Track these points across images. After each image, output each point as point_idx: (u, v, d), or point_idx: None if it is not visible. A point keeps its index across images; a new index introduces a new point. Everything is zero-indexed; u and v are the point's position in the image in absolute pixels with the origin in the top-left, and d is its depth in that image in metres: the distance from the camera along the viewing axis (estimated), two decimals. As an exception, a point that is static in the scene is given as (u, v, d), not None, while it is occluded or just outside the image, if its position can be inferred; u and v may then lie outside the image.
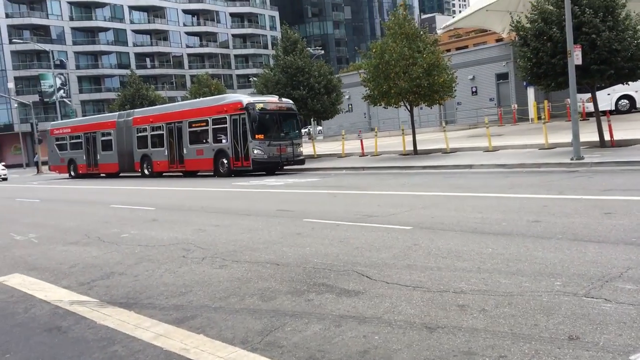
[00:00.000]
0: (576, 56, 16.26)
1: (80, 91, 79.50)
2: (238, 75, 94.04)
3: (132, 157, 29.31)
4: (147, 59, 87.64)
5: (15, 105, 64.63)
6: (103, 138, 31.63)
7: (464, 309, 4.73)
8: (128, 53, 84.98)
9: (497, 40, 52.65)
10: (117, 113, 32.94)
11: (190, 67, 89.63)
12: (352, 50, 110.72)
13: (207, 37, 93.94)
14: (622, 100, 29.64)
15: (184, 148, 25.93)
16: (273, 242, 8.29)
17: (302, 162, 24.01)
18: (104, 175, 33.19)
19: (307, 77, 28.64)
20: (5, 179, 38.55)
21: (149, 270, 7.21)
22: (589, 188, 11.07)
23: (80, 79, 80.00)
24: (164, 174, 28.41)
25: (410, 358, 3.84)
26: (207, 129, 24.66)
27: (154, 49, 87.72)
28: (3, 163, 43.15)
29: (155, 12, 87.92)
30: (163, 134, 27.34)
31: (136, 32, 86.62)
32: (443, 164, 19.11)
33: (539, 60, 18.32)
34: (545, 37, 18.16)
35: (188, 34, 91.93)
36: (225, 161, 23.70)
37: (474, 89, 40.57)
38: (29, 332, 5.24)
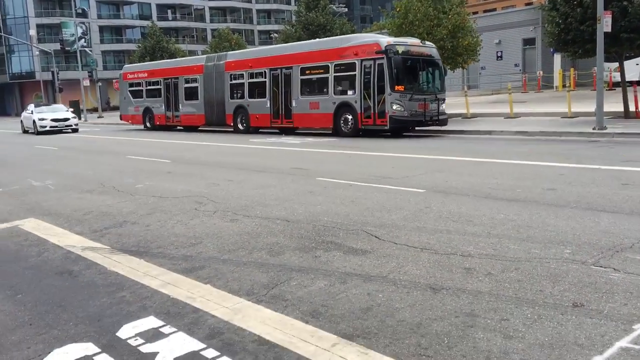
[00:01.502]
0: (606, 23, 15.75)
1: (102, 41, 79.23)
2: (260, 31, 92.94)
3: (223, 109, 24.47)
4: (169, 11, 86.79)
5: (37, 52, 64.73)
6: (187, 85, 26.71)
7: (470, 272, 4.73)
8: (150, 4, 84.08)
9: (526, 4, 51.34)
10: (205, 56, 28.10)
11: (211, 21, 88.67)
12: (376, 10, 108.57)
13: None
14: (651, 71, 28.80)
15: (293, 100, 21.13)
16: (285, 199, 8.31)
17: (445, 122, 18.90)
18: (181, 128, 28.50)
19: (328, 35, 28.20)
20: (76, 130, 30.93)
21: (161, 221, 7.29)
22: (608, 158, 10.87)
23: (101, 28, 79.62)
24: (260, 129, 23.61)
25: (412, 317, 3.86)
26: (327, 77, 19.84)
27: (176, 0, 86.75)
28: (71, 109, 36.03)
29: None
30: (265, 81, 22.36)
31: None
32: (462, 129, 18.86)
33: (567, 26, 17.81)
34: (575, 2, 17.60)
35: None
36: (350, 117, 19.03)
37: (499, 54, 39.73)
38: (40, 275, 5.36)
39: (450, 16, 22.19)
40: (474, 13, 45.05)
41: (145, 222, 7.26)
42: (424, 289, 4.40)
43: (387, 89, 17.78)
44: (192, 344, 3.62)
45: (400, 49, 18.00)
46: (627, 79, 19.21)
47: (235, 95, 24.03)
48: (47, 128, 29.84)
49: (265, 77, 22.42)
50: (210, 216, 7.45)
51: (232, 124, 24.17)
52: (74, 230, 7.07)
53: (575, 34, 17.57)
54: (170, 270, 5.23)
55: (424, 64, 18.95)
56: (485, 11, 58.82)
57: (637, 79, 26.82)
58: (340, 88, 19.63)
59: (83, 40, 56.48)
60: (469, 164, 11.35)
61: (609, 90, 26.07)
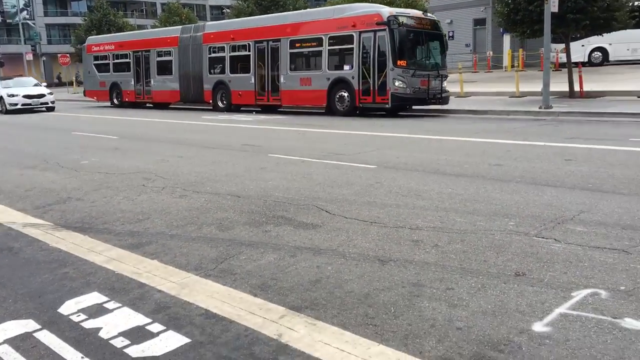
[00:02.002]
0: (553, 3, 16.09)
1: (46, 14, 76.04)
2: (212, 6, 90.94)
3: (201, 85, 22.50)
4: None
5: (-24, 25, 61.76)
6: (160, 58, 24.49)
7: (417, 244, 4.79)
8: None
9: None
10: (180, 27, 25.55)
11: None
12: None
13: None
14: (596, 53, 29.76)
15: (281, 76, 19.49)
16: (236, 175, 8.23)
17: (447, 100, 17.69)
18: (150, 105, 26.36)
19: (281, 11, 27.86)
20: (52, 109, 26.34)
21: (107, 197, 7.10)
22: (553, 135, 11.19)
23: (45, 1, 76.41)
24: (243, 107, 21.72)
25: (360, 287, 3.89)
26: (320, 51, 18.24)
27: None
28: (44, 84, 31.46)
29: None
30: (249, 55, 20.49)
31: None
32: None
33: (516, 6, 18.13)
34: (525, -19, 17.91)
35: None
36: (346, 95, 17.52)
37: (450, 34, 40.12)
38: (-22, 252, 5.15)
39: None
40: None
41: (91, 199, 7.06)
42: (372, 260, 4.44)
43: (389, 64, 16.33)
44: (137, 319, 3.55)
45: (404, 21, 16.50)
46: (572, 60, 19.74)
47: (214, 70, 22.08)
48: (19, 106, 25.17)
49: (249, 51, 20.61)
50: (159, 192, 7.31)
51: (210, 101, 22.34)
52: (15, 207, 6.81)
53: (524, 14, 17.91)
54: (115, 246, 5.11)
55: (427, 37, 17.58)
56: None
57: (583, 60, 27.67)
58: (335, 63, 18.14)
59: (25, 12, 54.09)
60: (420, 140, 11.49)
61: (555, 70, 26.78)
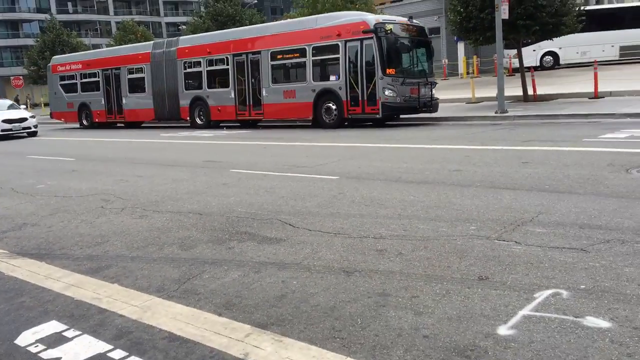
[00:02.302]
0: (503, 10, 16.51)
1: (-4, 36, 74.30)
2: (167, 23, 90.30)
3: (177, 101, 21.71)
4: (69, 4, 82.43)
5: None
6: (131, 76, 23.58)
7: (382, 253, 4.80)
8: (48, -4, 79.69)
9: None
10: (151, 42, 24.95)
11: (115, 13, 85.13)
12: (287, 0, 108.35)
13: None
14: (547, 57, 30.60)
15: (263, 89, 18.93)
16: (197, 192, 8.12)
17: (436, 108, 17.28)
18: (122, 125, 25.60)
19: (237, 26, 27.84)
20: (34, 134, 23.71)
21: (64, 221, 6.91)
22: (510, 139, 11.43)
23: (-5, 23, 74.66)
24: (222, 124, 21.10)
25: (326, 300, 3.86)
26: (304, 62, 17.70)
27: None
28: (23, 106, 29.13)
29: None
30: (228, 69, 19.87)
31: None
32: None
33: (468, 14, 18.53)
34: (474, -9, 18.33)
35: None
36: (334, 107, 17.00)
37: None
38: None
39: (357, 5, 22.48)
40: (381, 3, 45.97)
41: (47, 224, 6.86)
42: (337, 272, 4.42)
43: (378, 73, 15.91)
44: (99, 346, 3.44)
45: (391, 28, 16.07)
46: (525, 65, 20.27)
47: (190, 85, 21.35)
48: None
49: (227, 64, 19.93)
50: (118, 213, 7.15)
51: (187, 118, 21.56)
52: (-34, 237, 6.56)
53: (475, 22, 18.32)
54: (74, 271, 4.96)
55: (414, 44, 17.33)
56: (392, 1, 60.11)
57: (535, 65, 28.44)
58: (320, 74, 17.58)
59: (-26, 34, 52.61)
60: (380, 150, 11.58)
61: (509, 75, 27.45)
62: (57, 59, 28.89)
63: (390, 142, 12.61)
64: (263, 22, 29.85)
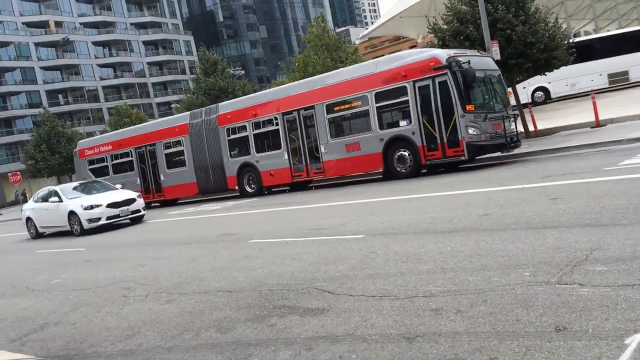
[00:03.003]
0: (495, 52, 16.70)
1: (-10, 135, 75.22)
2: (158, 104, 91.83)
3: (222, 171, 20.31)
4: (60, 96, 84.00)
5: None
6: (168, 150, 22.19)
7: (438, 312, 4.47)
8: (38, 91, 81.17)
9: (412, 47, 53.97)
10: (188, 113, 22.94)
11: (106, 100, 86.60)
12: (271, 69, 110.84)
13: (122, 68, 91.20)
14: (538, 92, 30.87)
15: (321, 145, 17.40)
16: (221, 269, 7.80)
17: (519, 143, 15.89)
18: (157, 203, 23.85)
19: (231, 98, 28.13)
20: (140, 218, 18.12)
21: (88, 316, 6.56)
22: (527, 177, 11.21)
23: (-12, 122, 75.75)
24: (275, 188, 19.86)
25: (397, 375, 3.52)
26: (367, 110, 16.22)
27: (66, 84, 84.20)
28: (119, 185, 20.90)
29: (63, 47, 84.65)
30: (278, 129, 18.45)
31: (45, 68, 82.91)
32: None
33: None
34: (462, 37, 18.61)
35: (101, 65, 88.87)
36: (407, 154, 15.51)
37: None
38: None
39: (347, 64, 22.75)
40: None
41: (71, 320, 6.50)
42: (397, 340, 4.08)
43: (458, 111, 14.47)
44: None
45: (464, 60, 14.84)
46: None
47: (236, 152, 19.92)
48: (103, 221, 16.76)
49: (277, 124, 18.49)
50: (143, 301, 6.81)
51: (236, 187, 19.99)
52: (-13, 345, 6.19)
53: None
54: (110, 371, 4.61)
55: (488, 76, 15.80)
56: (375, 57, 61.28)
57: (527, 101, 28.66)
58: (388, 120, 16.13)
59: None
60: (398, 202, 11.33)
61: (504, 114, 27.50)
62: (83, 143, 27.51)
63: (400, 194, 12.37)
64: (255, 91, 30.19)
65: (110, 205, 16.83)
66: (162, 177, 22.44)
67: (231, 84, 29.33)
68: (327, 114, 17.22)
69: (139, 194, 18.76)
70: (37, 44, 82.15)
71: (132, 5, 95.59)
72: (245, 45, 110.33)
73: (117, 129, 33.57)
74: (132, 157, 23.57)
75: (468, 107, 14.54)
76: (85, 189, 18.81)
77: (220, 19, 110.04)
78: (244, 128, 19.56)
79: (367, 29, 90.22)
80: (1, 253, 16.84)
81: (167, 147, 22.31)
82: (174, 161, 22.22)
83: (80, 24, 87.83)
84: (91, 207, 16.76)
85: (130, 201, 17.30)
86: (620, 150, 12.72)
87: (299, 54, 24.41)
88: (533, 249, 5.72)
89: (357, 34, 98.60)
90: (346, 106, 16.94)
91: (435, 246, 6.66)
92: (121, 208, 16.96)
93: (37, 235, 19.07)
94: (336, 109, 17.14)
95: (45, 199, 18.63)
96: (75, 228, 17.04)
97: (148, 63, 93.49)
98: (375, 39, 74.28)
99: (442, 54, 15.04)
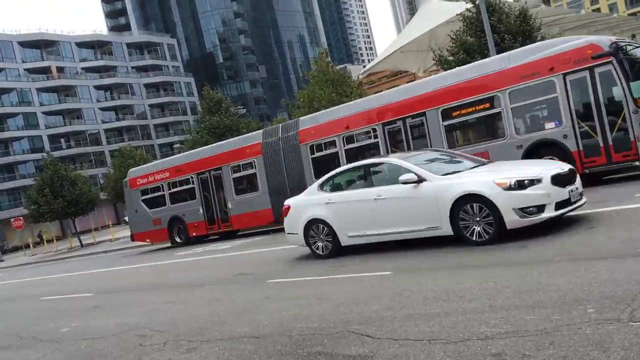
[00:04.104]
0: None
1: (-7, 181, 75.10)
2: (160, 145, 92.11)
3: None
4: (62, 140, 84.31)
5: None
6: (237, 174, 19.74)
7: (502, 358, 3.99)
8: (40, 136, 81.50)
9: (409, 81, 54.24)
10: (260, 131, 20.60)
11: (108, 143, 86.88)
12: (271, 107, 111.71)
13: (123, 110, 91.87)
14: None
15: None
16: (242, 312, 7.31)
17: None
18: (216, 235, 21.67)
19: (236, 135, 27.94)
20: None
21: (104, 369, 6.05)
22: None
23: (-9, 168, 75.73)
24: None
25: None
26: (499, 113, 13.88)
27: (68, 128, 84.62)
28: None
29: (65, 91, 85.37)
30: (377, 142, 16.10)
31: (47, 113, 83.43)
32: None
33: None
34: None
35: (102, 109, 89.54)
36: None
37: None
38: None
39: (352, 98, 22.61)
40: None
41: (84, 374, 6.00)
42: (462, 391, 3.60)
43: (629, 106, 12.05)
44: None
45: (630, 48, 12.74)
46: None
47: (323, 171, 15.77)
48: (547, 213, 7.93)
49: (375, 137, 16.03)
50: (161, 350, 6.31)
51: None
52: (-6, 404, 5.68)
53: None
54: None
55: None
56: (376, 92, 61.59)
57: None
58: (526, 123, 13.87)
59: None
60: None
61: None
62: (134, 172, 24.79)
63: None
64: (260, 128, 30.02)
65: (555, 181, 8.16)
66: (229, 205, 19.83)
67: (235, 122, 29.19)
68: (443, 120, 14.66)
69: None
70: (39, 90, 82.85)
71: (133, 49, 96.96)
72: (245, 85, 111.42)
73: (122, 171, 33.28)
74: (193, 184, 21.03)
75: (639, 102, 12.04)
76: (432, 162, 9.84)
77: (220, 60, 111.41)
78: (332, 144, 17.03)
79: (364, 66, 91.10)
80: (3, 301, 16.26)
81: (236, 170, 19.67)
82: (244, 186, 19.84)
83: (82, 68, 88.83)
84: (523, 185, 8.00)
85: (573, 175, 8.69)
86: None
87: (303, 90, 24.34)
88: (587, 283, 5.26)
89: (355, 71, 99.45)
90: (468, 110, 14.37)
91: (475, 281, 6.20)
92: (570, 187, 8.33)
93: (336, 251, 10.15)
94: (455, 114, 14.52)
95: (355, 181, 10.36)
96: (477, 230, 8.19)
97: (149, 105, 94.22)
98: (375, 74, 74.80)
99: (604, 40, 12.81)
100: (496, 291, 5.66)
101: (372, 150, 16.30)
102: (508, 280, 5.99)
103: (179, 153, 30.31)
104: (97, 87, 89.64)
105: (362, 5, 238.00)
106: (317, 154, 17.46)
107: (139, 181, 23.32)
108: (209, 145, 23.35)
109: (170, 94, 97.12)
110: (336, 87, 22.90)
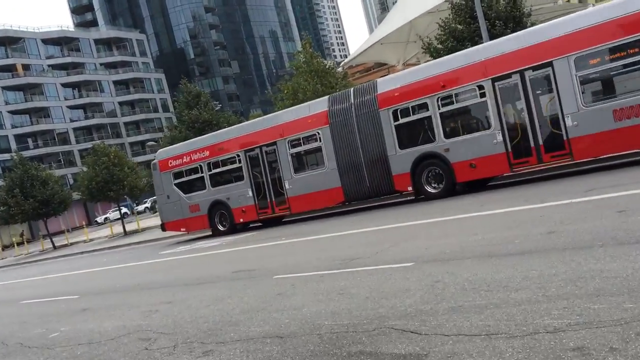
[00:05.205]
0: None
1: (-42, 183, 72.52)
2: (131, 143, 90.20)
3: (385, 168, 15.40)
4: (29, 139, 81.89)
5: None
6: (296, 149, 17.37)
7: (586, 353, 3.53)
8: (7, 136, 79.04)
9: (382, 76, 53.98)
10: (325, 98, 17.55)
11: (77, 142, 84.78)
12: (245, 103, 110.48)
13: (92, 108, 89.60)
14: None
15: (567, 116, 12.44)
16: (255, 310, 6.73)
17: None
18: (258, 224, 19.64)
19: (217, 129, 27.15)
20: None
21: (111, 377, 5.43)
22: (568, 192, 10.39)
23: (-44, 169, 73.15)
24: (489, 182, 15.46)
25: None
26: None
27: (35, 128, 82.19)
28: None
29: (31, 89, 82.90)
30: (485, 101, 13.58)
31: (13, 112, 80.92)
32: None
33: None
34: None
35: (70, 107, 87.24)
36: None
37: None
38: None
39: (338, 89, 22.10)
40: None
41: (89, 384, 5.36)
42: (556, 393, 3.12)
43: None
44: None
45: None
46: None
47: (411, 140, 15.03)
48: None
49: (483, 95, 13.58)
50: (172, 354, 5.71)
51: (409, 188, 15.08)
52: (-12, 422, 5.01)
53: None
54: None
55: None
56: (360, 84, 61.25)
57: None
58: None
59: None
60: (432, 225, 10.42)
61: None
62: (166, 152, 21.91)
63: (432, 217, 11.48)
64: (241, 121, 29.27)
65: None
66: (286, 185, 17.46)
67: (214, 115, 28.39)
68: (578, 71, 12.18)
69: None
70: (4, 88, 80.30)
71: (101, 45, 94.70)
72: (218, 82, 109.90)
73: (96, 169, 32.16)
74: (240, 162, 18.48)
75: None
76: None
77: (191, 56, 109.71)
78: (423, 106, 14.57)
79: (336, 61, 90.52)
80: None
81: (295, 144, 17.26)
82: (306, 162, 17.57)
83: (49, 65, 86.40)
84: None
85: None
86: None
87: (287, 82, 23.73)
88: (648, 267, 4.84)
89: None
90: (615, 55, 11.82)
91: (515, 271, 5.74)
92: None
93: None
94: (592, 62, 12.13)
95: None
96: None
97: (119, 103, 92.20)
98: (350, 68, 74.59)
99: None
100: (544, 279, 5.20)
101: (477, 112, 14.14)
102: (553, 267, 5.54)
103: (152, 151, 29.31)
104: (65, 85, 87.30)
105: (332, 0, 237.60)
106: (402, 120, 15.00)
107: (170, 162, 20.53)
108: (256, 119, 20.92)
109: (141, 90, 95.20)
110: (320, 78, 22.34)
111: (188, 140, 23.24)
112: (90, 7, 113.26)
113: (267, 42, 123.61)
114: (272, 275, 8.73)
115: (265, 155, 17.88)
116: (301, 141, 17.16)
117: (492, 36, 17.28)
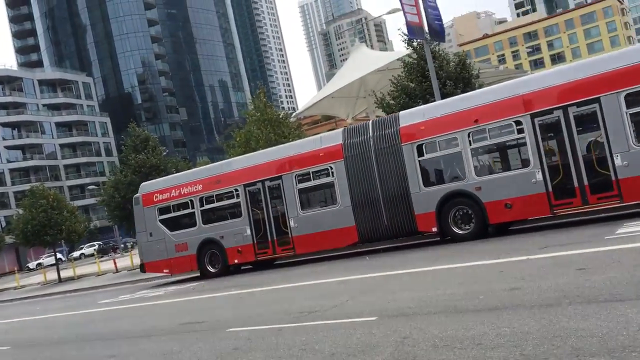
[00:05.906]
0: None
1: None
2: (70, 187, 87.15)
3: (407, 206, 14.18)
4: (-38, 179, 78.11)
5: None
6: (305, 184, 15.89)
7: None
8: (-62, 174, 75.13)
9: (331, 129, 54.71)
10: (339, 130, 16.69)
11: (13, 183, 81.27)
12: (191, 150, 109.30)
13: (31, 150, 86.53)
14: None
15: (618, 155, 11.59)
16: (210, 366, 6.29)
17: None
18: (248, 267, 17.91)
19: (163, 175, 26.52)
20: None
21: None
22: (522, 249, 10.47)
23: None
24: (519, 225, 14.36)
25: None
26: None
27: (-31, 167, 78.62)
28: None
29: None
30: (524, 137, 12.67)
31: (-55, 150, 77.34)
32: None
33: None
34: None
35: (8, 147, 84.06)
36: None
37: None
38: None
39: (291, 139, 22.10)
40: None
41: None
42: None
43: None
44: None
45: None
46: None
47: (437, 177, 14.21)
48: None
49: (520, 131, 12.64)
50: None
51: (434, 229, 13.89)
52: None
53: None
54: None
55: None
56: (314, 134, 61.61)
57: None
58: None
59: None
60: (388, 278, 10.24)
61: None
62: (150, 185, 19.83)
63: (388, 269, 11.32)
64: (189, 168, 28.74)
65: None
66: (291, 223, 15.91)
67: (162, 160, 27.79)
68: (628, 107, 11.45)
69: None
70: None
71: (45, 86, 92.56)
72: (165, 127, 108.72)
73: (32, 212, 30.60)
74: (238, 197, 16.82)
75: None
76: None
77: (138, 101, 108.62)
78: (453, 142, 13.54)
79: (286, 113, 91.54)
80: None
81: (303, 179, 15.80)
82: (315, 199, 16.35)
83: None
84: None
85: None
86: (606, 224, 12.42)
87: (240, 129, 23.57)
88: (624, 327, 4.78)
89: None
90: None
91: (486, 328, 5.58)
92: None
93: None
94: None
95: None
96: None
97: (60, 145, 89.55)
98: (300, 120, 75.52)
99: None
100: (518, 337, 5.06)
101: (510, 150, 13.30)
102: (525, 324, 5.42)
103: (93, 197, 28.31)
104: (4, 125, 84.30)
105: (283, 55, 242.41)
106: (427, 156, 13.99)
107: (156, 197, 18.56)
108: (260, 151, 19.32)
109: (84, 133, 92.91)
110: (274, 127, 22.32)
111: (177, 173, 21.91)
112: (36, 48, 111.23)
113: (217, 91, 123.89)
114: (224, 329, 8.27)
115: (268, 190, 16.35)
116: (310, 176, 15.76)
117: (443, 95, 17.75)
